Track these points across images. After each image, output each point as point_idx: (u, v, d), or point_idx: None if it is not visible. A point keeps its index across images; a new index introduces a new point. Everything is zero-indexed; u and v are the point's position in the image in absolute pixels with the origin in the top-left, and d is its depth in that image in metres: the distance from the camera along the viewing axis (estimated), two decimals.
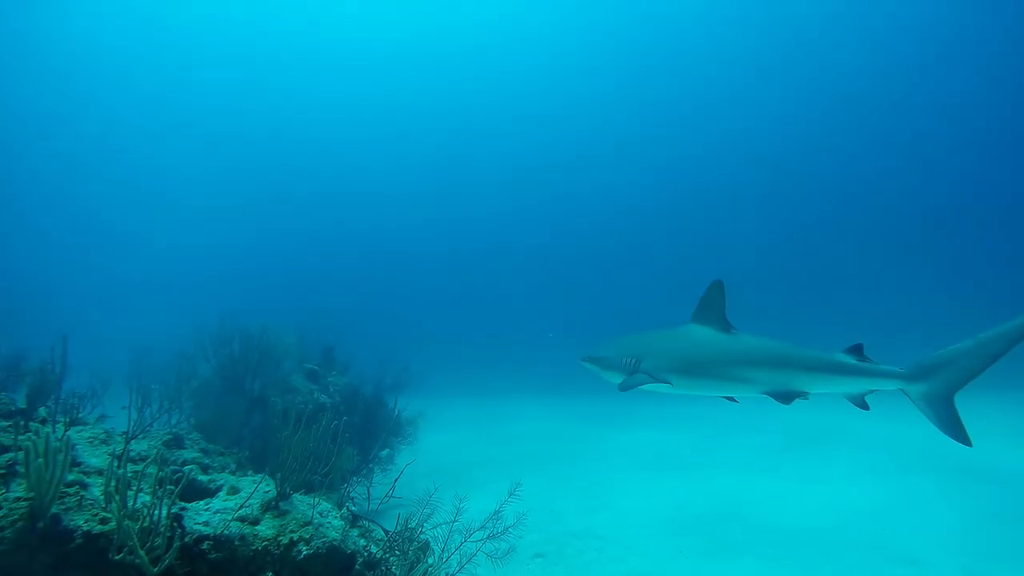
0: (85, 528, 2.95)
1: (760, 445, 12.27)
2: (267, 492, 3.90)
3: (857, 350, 4.45)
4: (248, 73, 46.14)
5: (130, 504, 3.03)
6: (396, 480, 5.19)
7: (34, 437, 2.94)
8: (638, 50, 45.89)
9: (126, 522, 2.83)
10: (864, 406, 4.57)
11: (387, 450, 9.09)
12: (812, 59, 44.97)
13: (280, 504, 3.78)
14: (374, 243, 53.61)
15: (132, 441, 4.11)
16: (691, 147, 50.07)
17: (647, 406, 16.89)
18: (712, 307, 4.68)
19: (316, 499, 4.12)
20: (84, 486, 3.26)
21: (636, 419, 16.09)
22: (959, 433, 4.16)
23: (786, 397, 4.39)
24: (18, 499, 3.06)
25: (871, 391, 4.49)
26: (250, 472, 4.79)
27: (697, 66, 46.27)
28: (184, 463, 4.28)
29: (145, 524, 2.98)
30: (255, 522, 3.50)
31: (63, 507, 3.01)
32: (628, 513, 8.37)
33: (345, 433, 4.50)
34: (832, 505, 8.33)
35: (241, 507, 3.60)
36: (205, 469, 4.32)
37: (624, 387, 4.71)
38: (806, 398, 4.53)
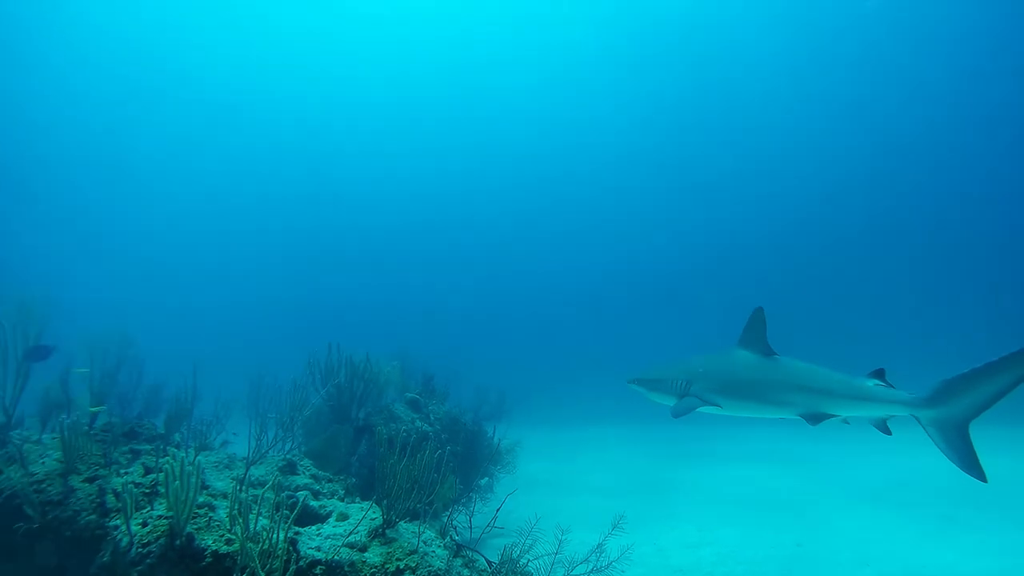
0: (213, 548, 3.15)
1: (868, 483, 11.29)
2: (374, 519, 4.01)
3: (879, 374, 4.49)
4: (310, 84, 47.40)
5: (251, 527, 3.21)
6: (498, 510, 5.19)
7: (171, 461, 3.19)
8: (675, 65, 44.97)
9: (248, 544, 2.99)
10: (886, 431, 4.60)
11: (487, 479, 9.13)
12: (854, 91, 44.03)
13: (387, 532, 3.87)
14: (466, 274, 55.22)
15: (251, 467, 4.36)
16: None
17: (746, 440, 16.04)
18: (755, 332, 4.86)
19: (421, 527, 4.19)
20: (212, 508, 3.49)
21: (735, 452, 15.31)
22: (972, 466, 3.99)
23: (816, 419, 4.54)
24: (160, 517, 3.32)
25: (890, 416, 4.50)
26: (358, 499, 4.95)
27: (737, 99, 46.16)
28: (297, 488, 4.48)
29: (264, 547, 3.13)
30: (363, 549, 3.60)
31: (195, 527, 3.24)
32: (737, 549, 7.91)
33: (448, 463, 4.58)
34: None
35: (350, 533, 3.72)
36: (316, 495, 4.50)
37: (678, 410, 4.84)
38: (845, 421, 4.72)
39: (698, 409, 4.85)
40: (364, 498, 5.02)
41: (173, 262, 51.12)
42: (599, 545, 5.19)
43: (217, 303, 50.36)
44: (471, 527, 6.27)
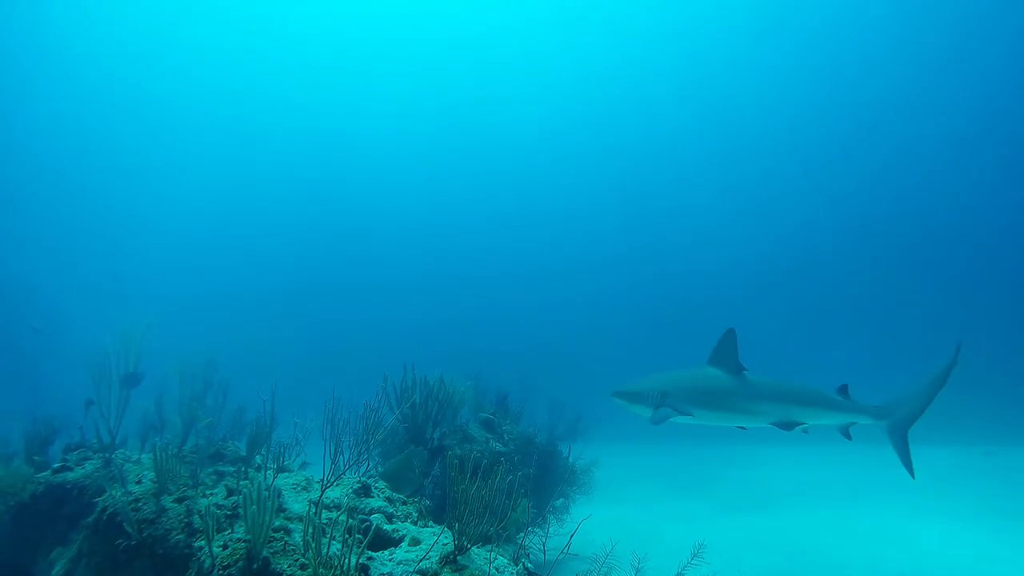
0: (288, 572, 3.22)
1: None
2: (445, 544, 4.00)
3: (843, 390, 5.18)
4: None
5: (325, 551, 3.26)
6: (572, 536, 5.06)
7: (249, 485, 3.30)
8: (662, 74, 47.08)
9: (320, 571, 3.03)
10: (848, 436, 5.35)
11: (562, 499, 8.99)
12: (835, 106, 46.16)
13: (458, 558, 3.84)
14: (542, 289, 55.33)
15: (327, 489, 4.45)
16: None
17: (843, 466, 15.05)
18: (726, 350, 5.40)
19: (493, 553, 4.14)
20: (288, 531, 3.58)
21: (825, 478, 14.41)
22: (907, 463, 4.87)
23: (788, 426, 5.17)
24: (239, 540, 3.44)
25: (852, 424, 5.23)
26: (431, 522, 4.96)
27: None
28: (371, 511, 4.54)
29: (337, 574, 3.18)
30: (434, 575, 3.59)
31: (271, 551, 3.33)
32: None
33: (521, 486, 4.52)
34: None
35: (421, 559, 3.72)
36: (389, 518, 4.54)
37: (655, 420, 5.39)
38: (806, 430, 5.33)
39: (672, 419, 5.37)
40: (438, 521, 5.04)
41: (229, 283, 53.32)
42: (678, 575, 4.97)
43: (286, 325, 52.11)
44: (545, 552, 6.16)
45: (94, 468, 4.92)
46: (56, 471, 5.19)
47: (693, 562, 5.55)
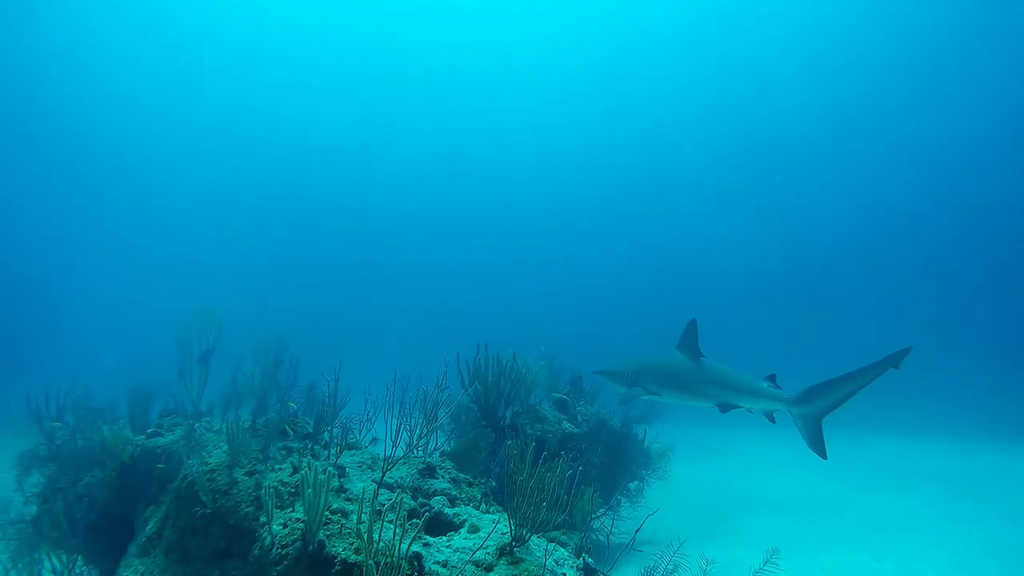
0: (343, 556, 3.25)
1: None
2: (504, 534, 3.92)
3: (772, 378, 5.68)
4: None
5: (380, 536, 3.25)
6: (643, 522, 4.89)
7: (306, 469, 3.34)
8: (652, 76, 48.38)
9: (370, 561, 3.02)
10: (772, 420, 5.91)
11: (636, 482, 8.79)
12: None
13: (515, 550, 3.76)
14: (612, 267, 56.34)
15: (393, 467, 4.48)
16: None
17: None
18: (688, 338, 6.00)
19: (553, 545, 4.03)
20: (345, 514, 3.62)
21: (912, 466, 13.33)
22: (819, 448, 5.34)
23: (725, 408, 5.77)
24: (298, 520, 3.50)
25: (775, 410, 5.70)
26: (494, 506, 4.92)
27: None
28: (434, 493, 4.54)
29: (389, 560, 3.16)
30: (488, 568, 3.52)
31: (327, 533, 3.36)
32: None
33: (585, 474, 4.38)
34: None
35: (478, 549, 3.66)
36: (452, 501, 4.53)
37: (626, 397, 6.33)
38: (750, 411, 5.99)
39: (642, 397, 6.20)
40: (501, 503, 5.00)
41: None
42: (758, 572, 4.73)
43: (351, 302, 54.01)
44: (616, 535, 6.03)
45: (180, 435, 5.21)
46: (150, 435, 5.55)
47: (772, 559, 5.25)
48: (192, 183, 54.08)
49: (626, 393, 6.10)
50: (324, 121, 54.67)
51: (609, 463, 8.15)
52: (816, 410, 5.39)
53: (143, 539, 4.81)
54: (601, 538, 7.34)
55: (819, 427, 5.38)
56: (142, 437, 5.59)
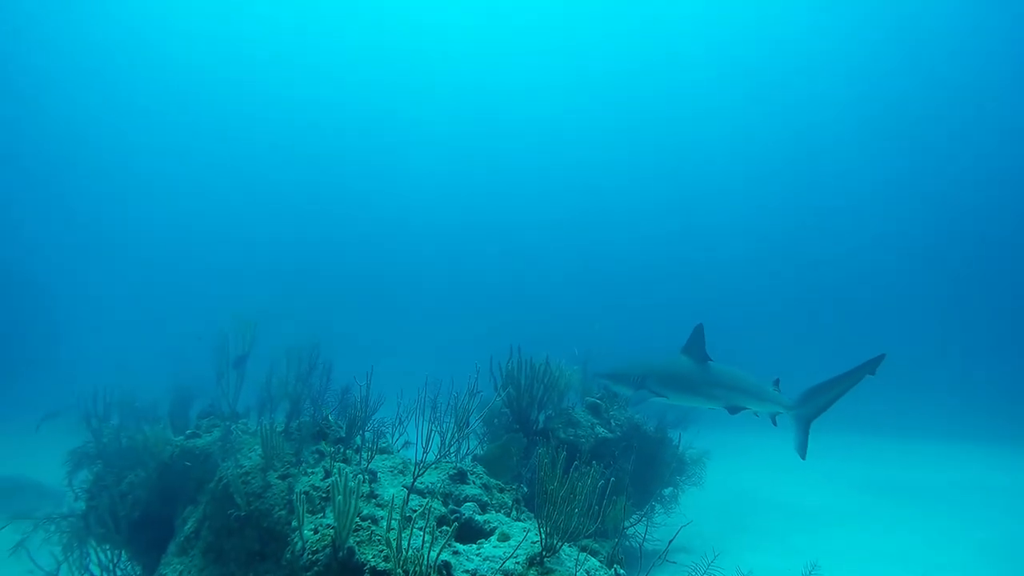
0: (372, 563, 3.25)
1: None
2: (535, 542, 3.88)
3: (775, 383, 5.81)
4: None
5: (408, 543, 3.24)
6: (671, 541, 4.78)
7: (337, 475, 3.35)
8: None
9: (399, 570, 3.02)
10: (774, 423, 6.09)
11: (671, 488, 8.66)
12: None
13: (546, 560, 3.71)
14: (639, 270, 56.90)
15: (424, 472, 4.48)
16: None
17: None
18: (696, 342, 6.10)
19: (584, 555, 3.97)
20: (375, 520, 3.62)
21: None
22: (802, 450, 5.60)
23: (733, 410, 5.92)
24: (328, 526, 3.52)
25: (776, 413, 5.90)
26: (525, 512, 4.88)
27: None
28: (465, 499, 4.52)
29: (420, 569, 3.15)
30: None
31: (357, 540, 3.37)
32: None
33: (617, 483, 4.30)
34: None
35: (508, 558, 3.62)
36: (483, 507, 4.50)
37: (634, 399, 6.45)
38: (756, 414, 6.12)
39: (649, 399, 6.28)
40: (532, 509, 4.96)
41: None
42: None
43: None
44: (650, 542, 5.94)
45: (217, 437, 5.31)
46: (188, 436, 5.68)
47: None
48: (207, 185, 55.29)
49: (633, 395, 6.26)
50: (346, 123, 55.56)
51: (643, 468, 8.03)
52: (807, 413, 5.71)
53: (182, 538, 4.91)
54: (634, 544, 7.24)
55: (807, 430, 5.71)
56: (181, 438, 5.72)
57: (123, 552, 6.25)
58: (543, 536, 3.80)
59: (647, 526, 6.43)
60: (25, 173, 48.08)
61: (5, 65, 40.72)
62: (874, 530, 9.54)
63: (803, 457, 5.67)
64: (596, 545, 5.17)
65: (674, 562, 4.62)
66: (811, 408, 5.69)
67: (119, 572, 6.18)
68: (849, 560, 8.02)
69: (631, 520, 7.37)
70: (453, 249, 60.21)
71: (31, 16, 39.94)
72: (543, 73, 51.48)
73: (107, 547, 6.18)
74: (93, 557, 6.11)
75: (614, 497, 4.83)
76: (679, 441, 8.76)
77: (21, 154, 46.73)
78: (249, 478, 4.30)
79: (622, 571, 4.13)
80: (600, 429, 7.82)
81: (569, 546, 3.97)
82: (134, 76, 46.26)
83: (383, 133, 56.45)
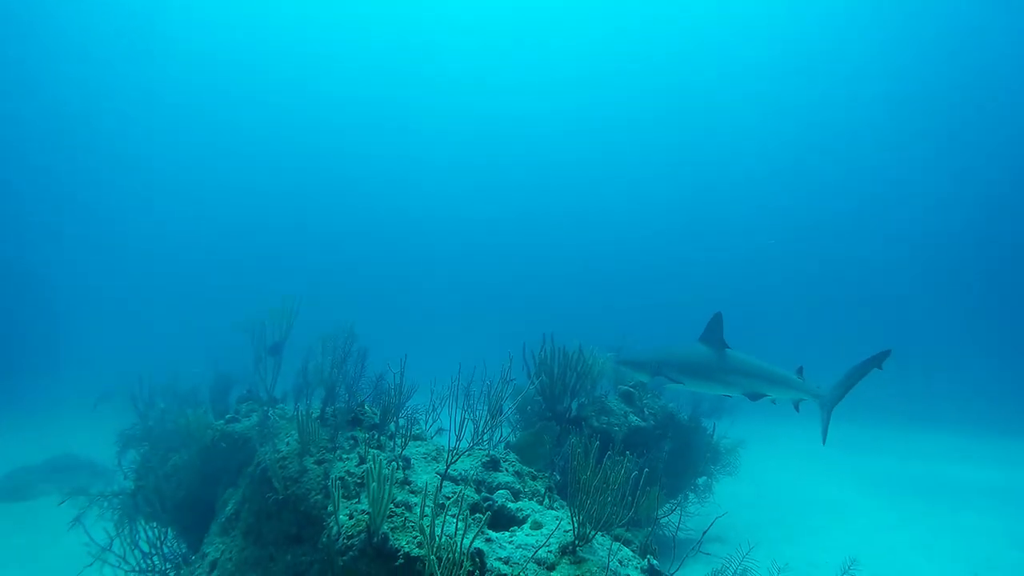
0: (406, 550, 3.29)
1: None
2: (567, 531, 3.88)
3: (799, 371, 6.07)
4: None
5: (441, 530, 3.28)
6: (704, 532, 4.74)
7: (372, 462, 3.39)
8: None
9: (432, 556, 3.04)
10: (797, 409, 6.34)
11: (705, 478, 8.58)
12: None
13: (578, 549, 3.71)
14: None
15: (458, 459, 4.51)
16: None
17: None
18: (713, 330, 6.25)
19: (618, 545, 3.96)
20: (409, 507, 3.66)
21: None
22: (824, 433, 5.86)
23: (755, 397, 6.13)
24: (363, 512, 3.58)
25: (801, 399, 6.15)
26: (557, 500, 4.89)
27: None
28: (498, 487, 4.54)
29: (454, 556, 3.18)
30: (551, 567, 3.48)
31: (391, 526, 3.41)
32: None
33: (654, 470, 4.28)
34: None
35: (540, 547, 3.63)
36: (516, 495, 4.52)
37: (651, 384, 6.85)
38: (773, 401, 6.40)
39: (666, 385, 6.46)
40: (565, 497, 4.96)
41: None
42: None
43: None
44: (683, 531, 5.90)
45: (255, 422, 5.44)
46: (228, 421, 5.83)
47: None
48: (220, 180, 56.17)
49: (649, 382, 6.55)
50: (369, 120, 56.16)
51: (677, 457, 7.97)
52: (831, 401, 6.01)
53: (223, 519, 5.06)
54: (667, 533, 7.21)
55: (829, 416, 5.98)
56: (221, 422, 5.87)
57: (169, 530, 6.50)
58: (576, 525, 3.79)
59: (680, 516, 6.40)
60: (34, 169, 48.58)
61: (8, 61, 40.86)
62: (914, 527, 9.30)
63: (823, 442, 5.91)
64: (629, 534, 5.15)
65: (708, 553, 4.59)
66: (835, 396, 6.00)
67: (166, 549, 6.43)
68: (889, 556, 7.85)
69: (664, 509, 7.33)
70: (487, 241, 60.79)
71: (36, 14, 40.17)
72: (576, 69, 51.49)
73: (154, 525, 6.44)
74: (142, 534, 6.37)
75: (647, 487, 4.81)
76: (713, 430, 8.67)
77: (29, 150, 47.22)
78: (286, 463, 4.39)
79: (655, 561, 4.10)
80: (633, 417, 7.76)
81: (602, 535, 3.96)
82: (143, 70, 46.69)
83: (406, 130, 57.03)
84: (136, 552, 6.27)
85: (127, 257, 53.26)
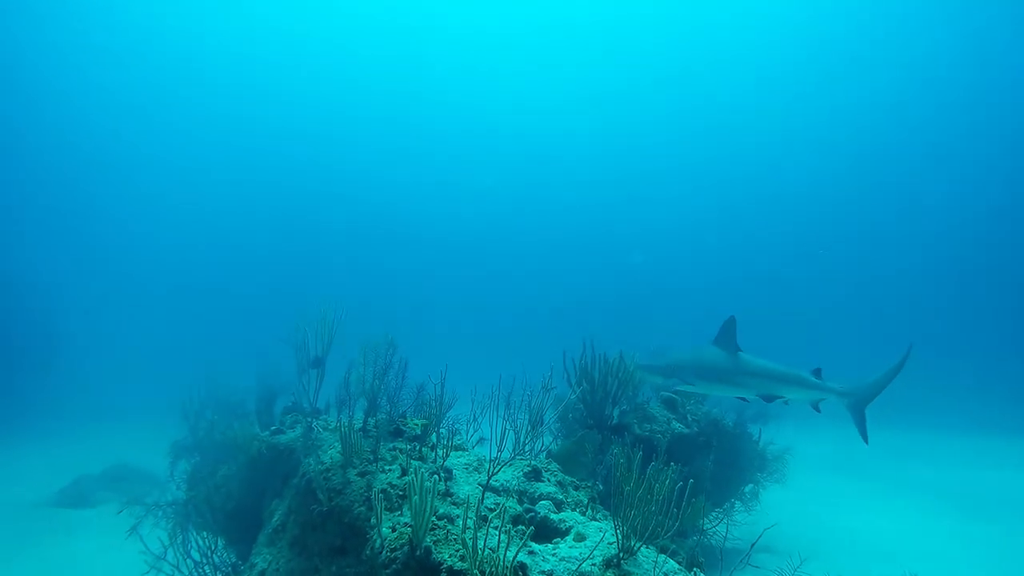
0: (449, 563, 3.28)
1: None
2: (611, 544, 3.81)
3: (817, 372, 6.05)
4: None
5: (484, 543, 3.26)
6: (753, 545, 4.60)
7: (413, 475, 3.40)
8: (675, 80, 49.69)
9: (475, 570, 3.03)
10: (818, 410, 6.37)
11: (752, 486, 8.37)
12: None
13: (623, 563, 3.64)
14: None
15: (499, 470, 4.49)
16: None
17: None
18: (727, 334, 6.26)
19: (663, 557, 3.88)
20: (451, 520, 3.66)
21: None
22: (863, 434, 5.96)
23: (769, 399, 6.14)
24: (407, 524, 3.59)
25: (821, 400, 6.18)
26: (600, 511, 4.82)
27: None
28: (540, 497, 4.50)
29: (496, 569, 3.16)
30: None
31: (434, 539, 3.41)
32: None
33: (699, 479, 4.17)
34: None
35: (584, 560, 3.58)
36: (559, 506, 4.47)
37: (666, 387, 6.65)
38: (786, 402, 6.48)
39: (679, 388, 6.50)
40: (607, 507, 4.88)
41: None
42: None
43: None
44: (725, 541, 5.75)
45: (299, 433, 5.53)
46: (273, 432, 5.94)
47: None
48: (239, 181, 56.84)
49: (663, 384, 6.61)
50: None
51: (722, 465, 7.79)
52: (861, 400, 5.99)
53: (270, 529, 5.15)
54: (714, 543, 7.05)
55: (864, 416, 5.95)
56: (267, 433, 5.98)
57: (220, 540, 6.67)
58: (620, 537, 3.73)
59: (728, 526, 6.25)
60: (34, 176, 48.23)
61: (6, 68, 40.33)
62: (977, 548, 8.84)
63: (866, 442, 5.92)
64: (674, 546, 5.04)
65: (757, 566, 4.46)
66: (865, 395, 5.99)
67: (216, 558, 6.59)
68: (951, 568, 7.51)
69: (710, 519, 7.17)
70: (527, 250, 61.09)
71: (25, 18, 39.50)
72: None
73: (205, 534, 6.61)
74: (194, 543, 6.55)
75: (692, 498, 4.69)
76: (759, 436, 8.46)
77: (29, 157, 46.79)
78: (330, 474, 4.44)
79: (702, 574, 4.00)
80: (676, 424, 7.62)
81: (647, 547, 3.89)
82: (138, 76, 46.72)
83: (445, 136, 57.59)
84: (188, 561, 6.45)
85: (157, 268, 54.47)
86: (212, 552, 6.57)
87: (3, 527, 10.51)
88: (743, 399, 6.73)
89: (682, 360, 6.50)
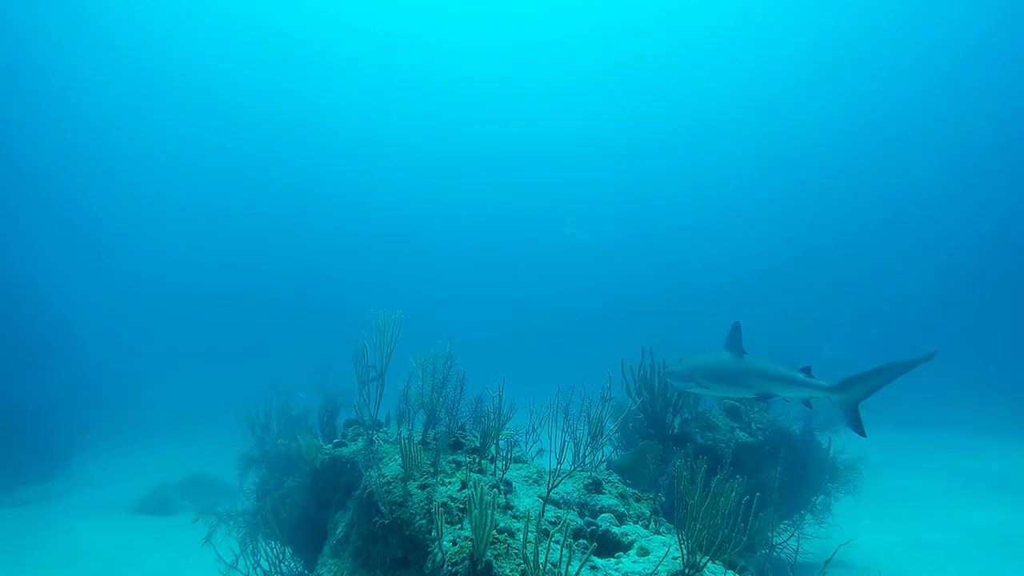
0: None
1: None
2: (676, 559, 3.71)
3: (807, 370, 6.17)
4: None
5: (544, 558, 3.22)
6: (827, 562, 4.39)
7: (473, 488, 3.39)
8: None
9: None
10: (809, 406, 6.58)
11: (822, 496, 8.01)
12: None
13: None
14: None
15: (559, 482, 4.45)
16: None
17: None
18: (734, 338, 6.52)
19: (731, 573, 3.74)
20: (512, 533, 3.63)
21: None
22: (859, 428, 5.91)
23: (765, 398, 6.37)
24: (467, 538, 3.58)
25: (812, 397, 6.26)
26: (663, 524, 4.70)
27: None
28: (601, 510, 4.43)
29: None
30: None
31: (494, 553, 3.39)
32: None
33: (765, 489, 4.02)
34: None
35: None
36: (620, 518, 4.39)
37: (683, 391, 6.93)
38: (786, 400, 6.79)
39: (693, 391, 6.80)
40: (671, 520, 4.76)
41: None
42: None
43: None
44: (797, 555, 5.52)
45: (361, 446, 5.63)
46: (336, 445, 6.06)
47: None
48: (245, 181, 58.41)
49: (682, 387, 6.77)
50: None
51: (790, 475, 7.49)
52: (852, 397, 5.92)
53: (334, 541, 5.24)
54: (783, 557, 6.78)
55: (856, 411, 5.90)
56: (330, 446, 6.12)
57: (287, 549, 6.86)
58: (685, 552, 3.62)
59: (798, 539, 6.00)
60: (35, 178, 47.89)
61: (7, 69, 40.16)
62: None
63: (862, 434, 5.90)
64: (742, 561, 4.87)
65: (840, 561, 4.25)
66: (854, 392, 5.94)
67: (284, 568, 6.78)
68: None
69: (779, 532, 6.90)
70: (580, 263, 61.09)
71: (31, 16, 39.42)
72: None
73: (273, 544, 6.82)
74: (263, 552, 6.76)
75: (760, 511, 4.53)
76: (829, 445, 8.11)
77: (30, 159, 46.37)
78: (391, 487, 4.49)
79: None
80: (740, 433, 7.39)
81: (713, 563, 3.76)
82: (138, 76, 47.51)
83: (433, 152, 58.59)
84: (258, 570, 6.66)
85: (181, 277, 55.93)
86: (280, 561, 6.77)
87: (108, 536, 11.31)
88: (750, 399, 6.95)
89: (696, 365, 6.72)
